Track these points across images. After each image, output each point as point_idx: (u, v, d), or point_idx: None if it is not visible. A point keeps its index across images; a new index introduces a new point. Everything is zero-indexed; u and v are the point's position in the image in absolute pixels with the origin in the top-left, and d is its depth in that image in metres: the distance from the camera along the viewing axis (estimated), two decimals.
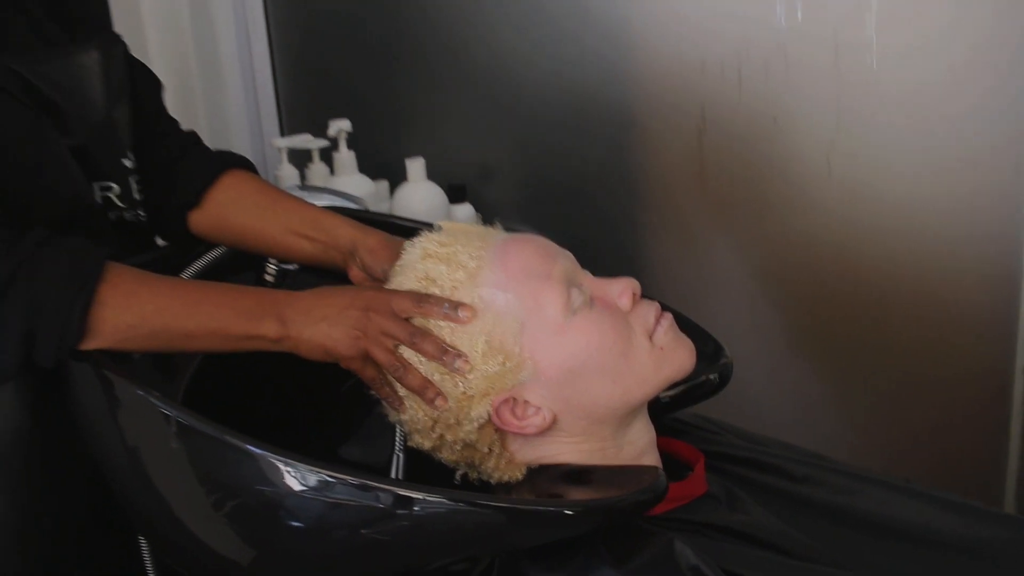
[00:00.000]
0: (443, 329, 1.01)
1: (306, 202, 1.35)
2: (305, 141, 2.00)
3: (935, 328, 1.75)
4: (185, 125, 1.45)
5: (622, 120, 1.97)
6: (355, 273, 1.25)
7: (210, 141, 1.45)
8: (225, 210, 1.35)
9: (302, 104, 2.35)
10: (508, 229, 1.11)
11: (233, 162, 1.39)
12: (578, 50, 1.97)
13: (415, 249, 1.07)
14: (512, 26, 2.04)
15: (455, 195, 2.04)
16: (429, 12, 2.13)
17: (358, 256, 1.25)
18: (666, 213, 1.97)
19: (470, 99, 2.15)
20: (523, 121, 2.10)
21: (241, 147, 2.22)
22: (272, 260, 1.33)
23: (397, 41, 2.19)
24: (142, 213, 1.32)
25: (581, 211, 2.07)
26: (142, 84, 1.39)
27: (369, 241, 1.25)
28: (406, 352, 1.03)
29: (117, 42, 1.33)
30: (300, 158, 2.09)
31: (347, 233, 1.27)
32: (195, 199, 1.35)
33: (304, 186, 1.74)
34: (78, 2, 1.36)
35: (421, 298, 1.03)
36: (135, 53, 1.40)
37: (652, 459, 1.08)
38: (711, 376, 1.19)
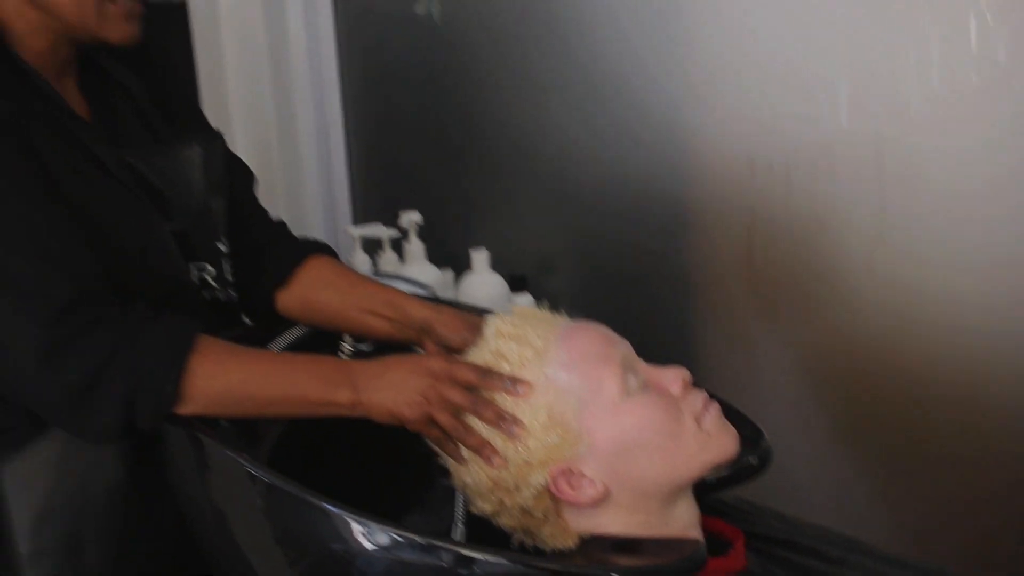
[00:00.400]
0: (507, 401, 1.10)
1: (383, 284, 1.46)
2: (377, 230, 2.11)
3: (972, 414, 1.77)
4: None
5: (675, 215, 2.03)
6: (430, 347, 1.35)
7: (289, 226, 1.57)
8: (309, 290, 1.47)
9: (374, 194, 2.45)
10: (570, 317, 1.21)
11: (317, 248, 1.51)
12: (636, 147, 2.04)
13: (488, 327, 1.17)
14: (574, 123, 2.12)
15: (516, 285, 2.13)
16: (496, 110, 2.23)
17: (433, 331, 1.35)
18: (716, 306, 2.03)
19: (532, 193, 2.23)
20: (582, 214, 2.18)
21: (317, 233, 2.33)
22: (348, 340, 1.44)
23: (465, 137, 2.29)
24: (233, 293, 1.43)
25: (636, 301, 2.12)
26: (237, 176, 1.51)
27: (443, 317, 1.36)
28: (468, 419, 1.12)
29: (216, 138, 1.46)
30: (371, 246, 2.20)
31: (421, 311, 1.38)
32: (283, 280, 1.47)
33: (377, 272, 1.84)
34: (181, 103, 1.50)
35: (484, 371, 1.12)
36: None
37: (696, 535, 1.14)
38: (752, 460, 1.24)
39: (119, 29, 1.30)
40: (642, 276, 2.12)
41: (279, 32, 2.28)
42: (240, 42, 2.27)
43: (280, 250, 1.50)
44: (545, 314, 1.20)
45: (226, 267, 1.41)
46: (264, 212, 1.55)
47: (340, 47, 2.40)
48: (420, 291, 1.77)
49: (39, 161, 1.21)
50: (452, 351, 1.31)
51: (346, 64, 2.41)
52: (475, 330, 1.24)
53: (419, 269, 2.05)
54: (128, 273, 1.25)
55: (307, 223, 2.33)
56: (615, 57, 2.05)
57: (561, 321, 1.18)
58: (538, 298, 2.16)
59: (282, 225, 1.56)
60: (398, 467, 1.36)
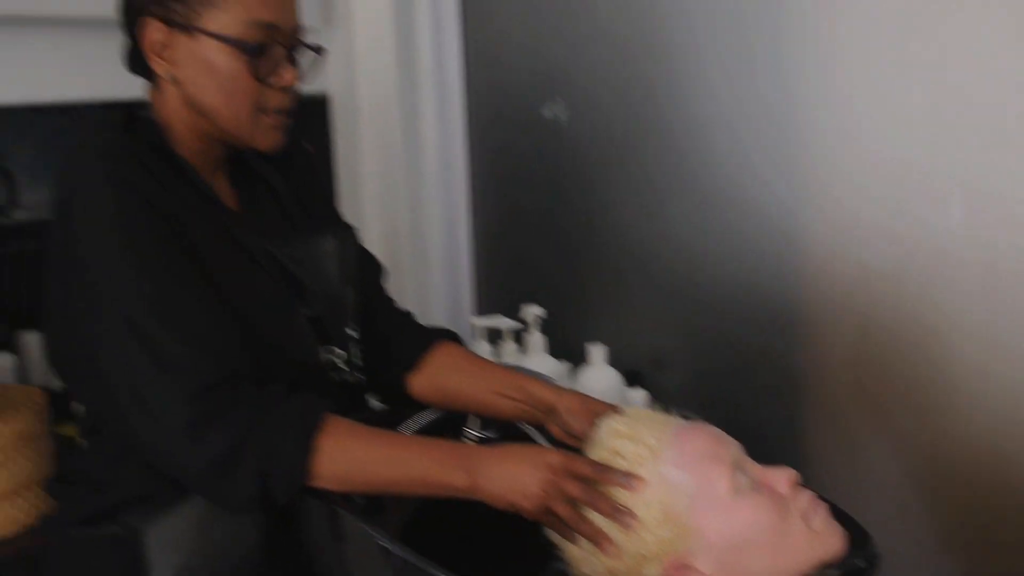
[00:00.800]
0: (623, 495, 1.17)
1: (510, 368, 1.56)
2: (500, 322, 2.20)
3: None
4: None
5: (787, 315, 2.06)
6: (555, 431, 1.45)
7: (415, 314, 1.67)
8: (438, 374, 1.57)
9: (496, 287, 2.54)
10: (683, 416, 1.28)
11: (445, 334, 1.62)
12: (749, 247, 2.09)
13: (604, 426, 1.25)
14: (689, 224, 2.18)
15: (631, 380, 2.19)
16: (615, 211, 2.30)
17: (557, 415, 1.45)
18: (825, 407, 2.04)
19: (648, 290, 2.28)
20: (695, 312, 2.22)
21: (440, 322, 2.38)
22: (474, 426, 1.53)
23: (585, 235, 2.36)
24: (361, 376, 1.53)
25: (746, 399, 2.15)
26: (368, 267, 1.63)
27: (567, 402, 1.45)
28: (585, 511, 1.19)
29: (349, 231, 1.58)
30: (492, 336, 2.29)
31: (547, 394, 1.48)
32: (413, 364, 1.58)
33: (500, 363, 1.92)
34: (319, 198, 1.63)
35: (601, 467, 1.19)
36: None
37: None
38: (860, 562, 1.26)
39: (269, 138, 1.42)
40: (752, 374, 2.15)
41: (413, 128, 2.40)
42: (377, 135, 2.39)
43: (409, 336, 1.61)
44: (658, 414, 1.27)
45: (355, 351, 1.52)
46: (392, 301, 1.66)
47: (470, 145, 2.51)
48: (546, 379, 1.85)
49: (193, 248, 1.33)
50: (573, 436, 1.41)
51: (475, 162, 2.51)
52: (596, 417, 1.32)
53: (539, 361, 2.13)
54: (266, 353, 1.36)
55: (432, 312, 2.43)
56: (729, 161, 2.11)
57: (674, 421, 1.25)
58: (652, 393, 2.21)
59: (409, 314, 1.66)
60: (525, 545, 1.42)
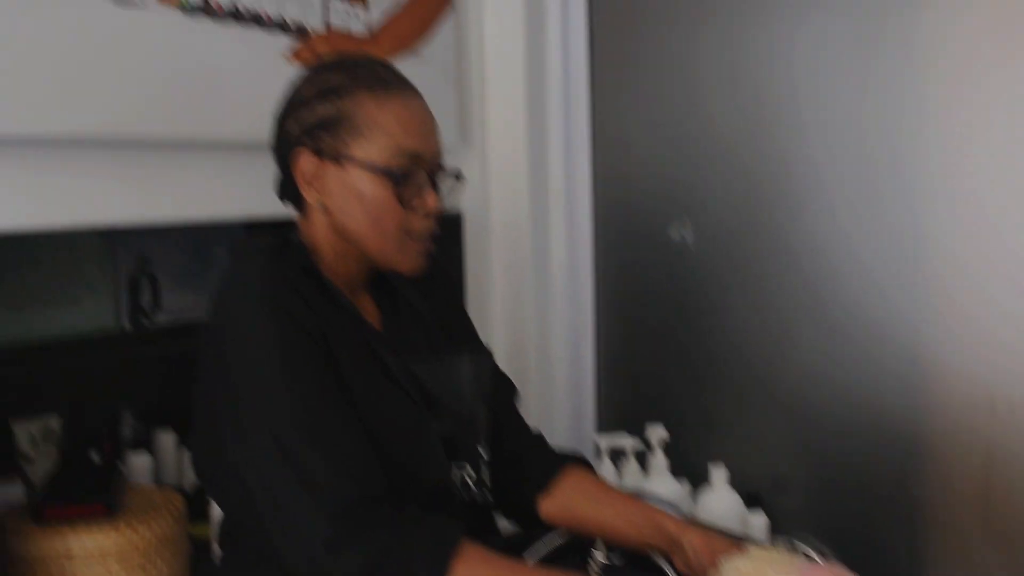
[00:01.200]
0: None
1: (637, 498, 1.61)
2: (623, 440, 2.22)
3: None
4: None
5: (911, 443, 2.04)
6: (679, 563, 1.48)
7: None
8: (569, 498, 1.61)
9: (618, 405, 2.56)
10: (806, 553, 1.29)
11: (575, 459, 1.67)
12: (874, 374, 2.08)
13: (729, 568, 1.28)
14: (814, 348, 2.19)
15: (751, 502, 2.19)
16: (739, 333, 2.32)
17: (681, 549, 1.49)
18: (949, 538, 2.02)
19: (771, 413, 2.29)
20: (818, 436, 2.21)
21: (563, 439, 2.46)
22: (600, 552, 1.56)
23: (709, 356, 2.38)
24: (489, 496, 1.58)
25: (867, 526, 2.13)
26: (501, 388, 1.69)
27: (692, 537, 1.49)
28: None
29: (485, 352, 1.64)
30: (614, 454, 2.31)
31: (673, 527, 1.52)
32: (544, 487, 1.62)
33: (620, 482, 1.94)
34: (457, 318, 1.70)
35: None
36: None
37: None
38: None
39: (413, 262, 1.50)
40: (875, 500, 2.13)
41: (543, 246, 2.46)
42: (507, 253, 2.45)
43: (541, 459, 1.66)
44: (781, 553, 1.30)
45: (484, 471, 1.57)
46: (524, 423, 1.71)
47: (597, 264, 2.56)
48: (668, 508, 1.87)
49: (338, 367, 1.41)
50: (694, 570, 1.45)
51: (601, 280, 2.56)
52: (719, 555, 1.36)
53: (661, 482, 2.15)
54: (399, 468, 1.42)
55: (555, 428, 2.47)
56: (853, 282, 2.12)
57: (797, 562, 1.27)
58: (771, 516, 2.20)
59: (541, 437, 1.71)
60: None
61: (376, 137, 1.44)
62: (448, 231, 2.43)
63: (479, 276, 2.45)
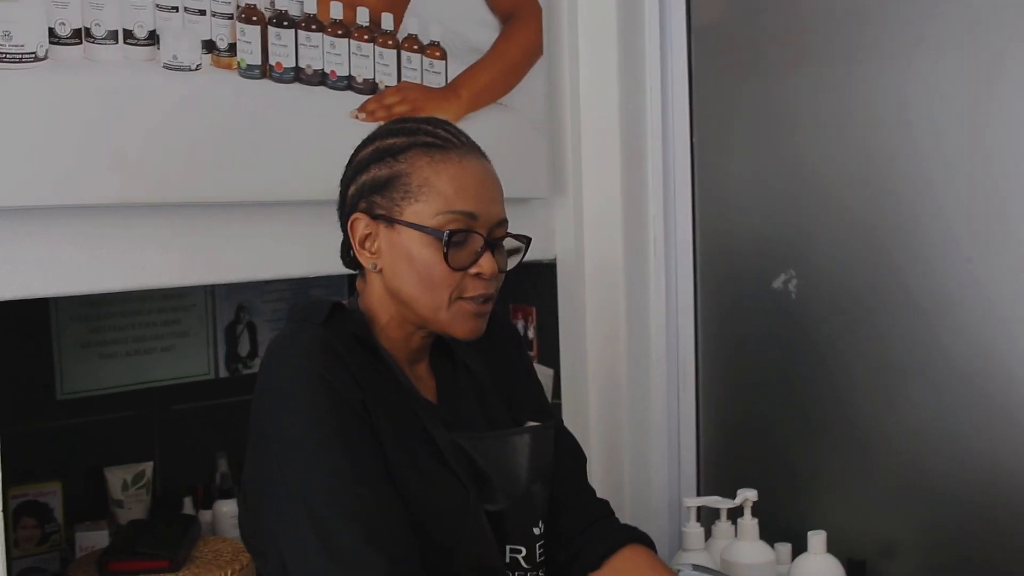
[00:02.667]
0: None
1: None
2: (714, 502, 2.14)
3: None
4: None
5: None
6: None
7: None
8: None
9: (715, 461, 2.48)
10: None
11: (635, 537, 1.59)
12: (993, 431, 1.99)
13: None
14: (929, 406, 2.09)
15: (855, 571, 2.08)
16: (846, 387, 2.23)
17: None
18: None
19: (878, 474, 2.19)
20: (931, 501, 2.11)
21: (659, 499, 2.38)
22: None
23: (814, 411, 2.29)
24: (541, 574, 1.52)
25: None
26: (568, 458, 1.62)
27: None
28: None
29: (547, 429, 1.57)
30: (710, 513, 2.23)
31: None
32: (597, 563, 1.55)
33: (696, 567, 1.87)
34: (522, 388, 1.64)
35: None
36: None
37: None
38: None
39: (466, 326, 1.46)
40: (995, 573, 2.01)
41: (639, 295, 2.40)
42: (602, 301, 2.39)
43: (600, 535, 1.59)
44: None
45: (538, 550, 1.51)
46: (588, 495, 1.64)
47: (698, 315, 2.48)
48: None
49: (380, 444, 1.37)
50: None
51: (703, 332, 2.48)
52: None
53: (750, 547, 2.05)
54: (444, 549, 1.38)
55: (649, 486, 2.37)
56: (975, 337, 2.02)
57: None
58: None
59: (606, 506, 1.64)
60: None
61: (428, 198, 1.43)
62: (543, 279, 2.40)
63: (572, 325, 2.41)
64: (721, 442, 2.48)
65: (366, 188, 1.47)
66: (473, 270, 1.44)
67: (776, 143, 2.34)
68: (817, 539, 2.06)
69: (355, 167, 1.51)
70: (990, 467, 2.00)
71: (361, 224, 1.47)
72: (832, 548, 2.07)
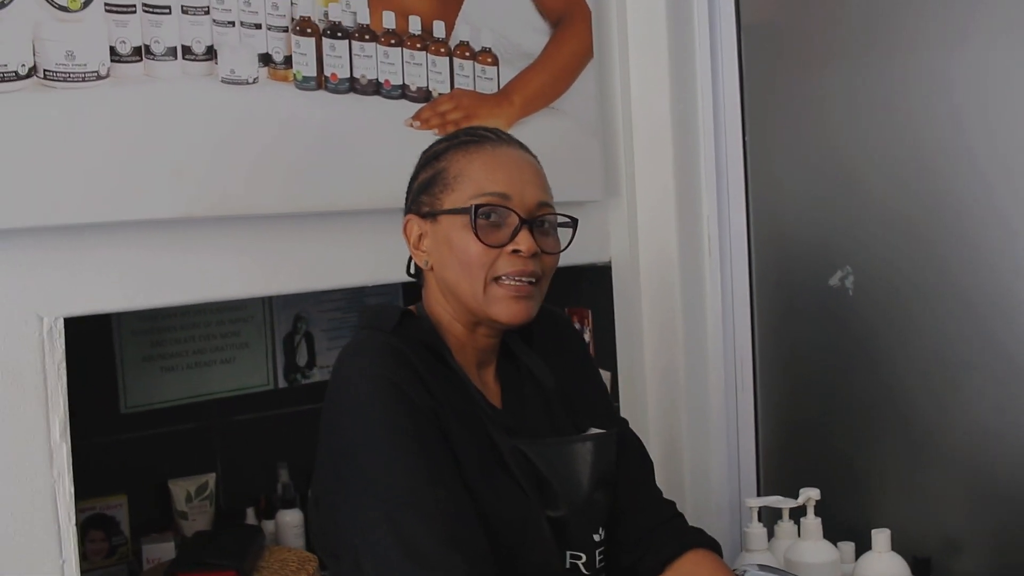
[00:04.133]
0: None
1: None
2: (777, 502, 2.12)
3: None
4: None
5: None
6: None
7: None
8: None
9: (776, 462, 2.46)
10: None
11: (701, 541, 1.58)
12: None
13: None
14: (990, 402, 2.07)
15: (920, 568, 2.05)
16: (906, 385, 2.21)
17: None
18: None
19: (942, 471, 2.17)
20: (994, 492, 2.09)
21: (718, 500, 2.37)
22: None
23: (874, 409, 2.27)
24: None
25: None
26: (633, 461, 1.62)
27: None
28: None
29: (610, 436, 1.57)
30: (772, 513, 2.22)
31: None
32: (660, 568, 1.55)
33: (762, 567, 1.86)
34: (587, 393, 1.64)
35: None
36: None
37: None
38: None
39: (507, 309, 1.47)
40: None
41: (696, 297, 2.39)
42: (658, 303, 2.39)
43: (665, 536, 1.58)
44: None
45: (597, 556, 1.51)
46: (656, 495, 1.64)
47: (754, 314, 2.47)
48: None
49: (450, 447, 1.38)
50: None
51: (759, 328, 2.47)
52: None
53: (813, 547, 2.04)
54: (505, 556, 1.38)
55: (709, 488, 2.37)
56: None
57: None
58: None
59: (672, 508, 1.64)
60: None
61: (463, 186, 1.48)
62: (598, 281, 2.40)
63: (629, 327, 2.40)
64: (780, 441, 2.47)
65: (415, 192, 1.54)
66: (509, 247, 1.45)
67: (828, 139, 2.33)
68: (881, 537, 2.04)
69: (411, 180, 1.57)
70: None
71: (413, 225, 1.53)
72: (896, 546, 2.06)
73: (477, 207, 1.44)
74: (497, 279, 1.46)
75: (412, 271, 1.61)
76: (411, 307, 1.55)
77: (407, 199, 1.56)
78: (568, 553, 1.48)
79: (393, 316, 1.48)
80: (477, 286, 1.46)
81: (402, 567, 1.30)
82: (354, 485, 1.37)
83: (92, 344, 2.24)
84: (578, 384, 1.65)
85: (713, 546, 1.59)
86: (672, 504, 1.65)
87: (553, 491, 1.46)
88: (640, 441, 1.67)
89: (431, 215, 1.49)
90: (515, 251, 1.45)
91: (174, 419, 2.41)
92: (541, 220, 1.49)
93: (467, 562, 1.30)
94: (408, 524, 1.31)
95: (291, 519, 2.33)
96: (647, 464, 1.66)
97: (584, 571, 1.49)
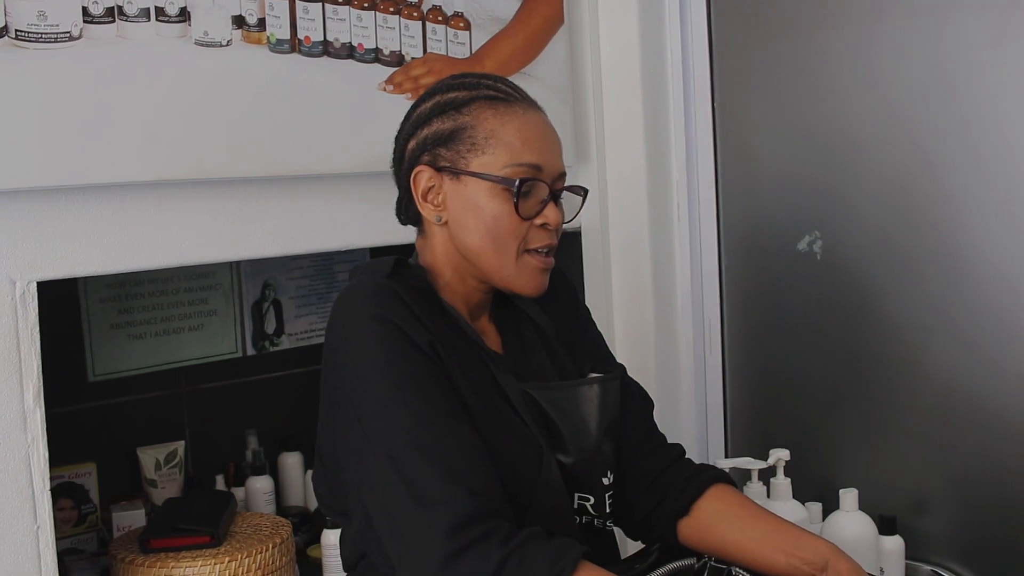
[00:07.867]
0: None
1: (782, 519, 1.51)
2: (747, 463, 2.15)
3: None
4: None
5: None
6: None
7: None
8: (710, 520, 1.53)
9: (745, 424, 2.49)
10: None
11: (718, 476, 1.58)
12: (1018, 387, 2.00)
13: None
14: (958, 362, 2.11)
15: (885, 527, 2.09)
16: (872, 347, 2.25)
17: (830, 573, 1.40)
18: None
19: (908, 432, 2.22)
20: (958, 454, 2.14)
21: None
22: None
23: (842, 372, 2.31)
24: (609, 523, 1.53)
25: (1013, 553, 2.04)
26: (635, 403, 1.62)
27: (840, 566, 1.41)
28: None
29: (614, 379, 1.57)
30: (739, 476, 2.24)
31: (822, 550, 1.43)
32: (685, 508, 1.54)
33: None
34: (587, 340, 1.65)
35: None
36: None
37: None
38: None
39: (533, 282, 1.47)
40: (1022, 524, 2.03)
41: (665, 261, 2.41)
42: (627, 269, 2.40)
43: (680, 478, 1.58)
44: None
45: (606, 499, 1.51)
46: (661, 438, 1.64)
47: (723, 279, 2.49)
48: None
49: (453, 384, 1.38)
50: None
51: (727, 292, 2.50)
52: None
53: (784, 506, 2.07)
54: (514, 497, 1.38)
55: None
56: (1000, 295, 2.04)
57: None
58: (908, 540, 2.11)
59: (679, 452, 1.64)
60: None
61: (496, 150, 1.44)
62: (566, 247, 2.41)
63: (599, 293, 2.41)
64: (748, 404, 2.50)
65: (429, 141, 1.47)
66: (539, 220, 1.45)
67: (798, 105, 2.35)
68: (849, 497, 2.08)
69: (414, 122, 1.50)
70: (1013, 420, 2.02)
71: (424, 177, 1.47)
72: (863, 505, 2.10)
73: (522, 180, 1.43)
74: (526, 251, 1.45)
75: (401, 214, 1.58)
76: (406, 258, 1.53)
77: (407, 141, 1.50)
78: (576, 495, 1.48)
79: (387, 265, 1.47)
80: (505, 257, 1.45)
81: (408, 510, 1.30)
82: (356, 433, 1.37)
83: (60, 312, 2.22)
84: (575, 328, 1.65)
85: (729, 479, 1.60)
86: (677, 445, 1.65)
87: (562, 436, 1.46)
88: (640, 385, 1.67)
89: (453, 172, 1.45)
90: (543, 224, 1.45)
91: (142, 387, 2.39)
92: (561, 191, 1.49)
93: (472, 496, 1.29)
94: (411, 465, 1.31)
95: (261, 486, 2.33)
96: (649, 407, 1.66)
97: (592, 512, 1.49)
